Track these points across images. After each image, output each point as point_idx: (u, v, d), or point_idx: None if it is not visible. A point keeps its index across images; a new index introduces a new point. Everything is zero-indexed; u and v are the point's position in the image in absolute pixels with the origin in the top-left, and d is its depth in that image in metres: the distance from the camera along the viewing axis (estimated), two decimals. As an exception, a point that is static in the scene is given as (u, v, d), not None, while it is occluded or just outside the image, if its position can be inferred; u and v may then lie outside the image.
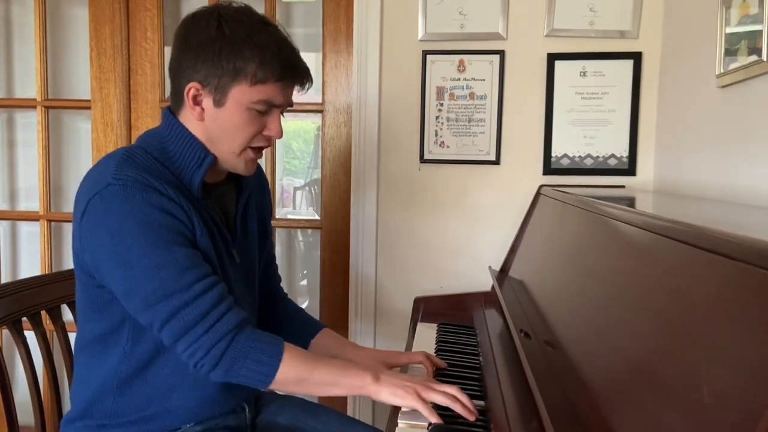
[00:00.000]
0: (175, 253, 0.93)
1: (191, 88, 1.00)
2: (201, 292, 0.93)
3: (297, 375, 0.95)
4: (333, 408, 1.32)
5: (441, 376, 1.19)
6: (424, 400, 0.95)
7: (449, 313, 1.67)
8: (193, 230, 0.98)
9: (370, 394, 0.97)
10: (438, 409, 0.99)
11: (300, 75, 1.04)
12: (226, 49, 0.97)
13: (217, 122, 1.02)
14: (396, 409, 1.01)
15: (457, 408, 0.96)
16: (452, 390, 0.98)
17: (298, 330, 1.29)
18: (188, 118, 1.04)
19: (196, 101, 1.01)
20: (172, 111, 1.06)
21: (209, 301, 0.94)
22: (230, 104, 1.00)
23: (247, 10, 1.02)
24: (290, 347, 0.97)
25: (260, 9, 1.95)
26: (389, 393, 0.96)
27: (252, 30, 0.98)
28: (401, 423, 0.98)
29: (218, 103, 1.00)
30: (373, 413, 1.94)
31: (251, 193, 1.19)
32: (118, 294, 0.96)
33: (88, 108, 2.04)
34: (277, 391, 1.45)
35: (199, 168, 1.02)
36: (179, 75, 1.02)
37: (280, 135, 1.06)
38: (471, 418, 0.96)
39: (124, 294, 0.95)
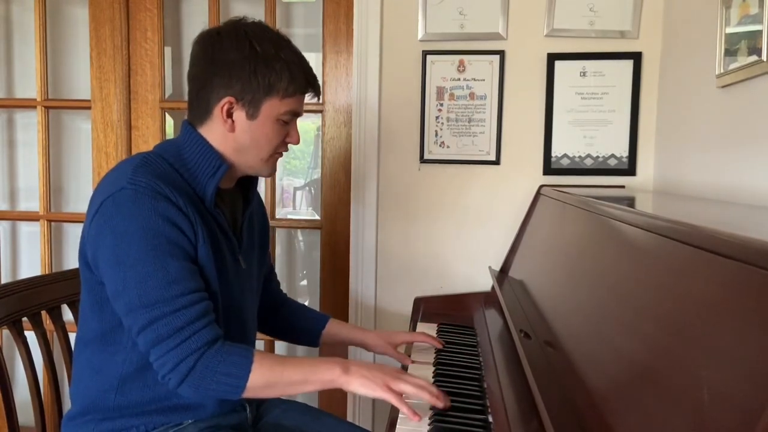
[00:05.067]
0: (168, 264, 0.96)
1: (225, 103, 1.05)
2: (182, 306, 0.96)
3: (266, 381, 0.97)
4: (334, 412, 1.34)
5: (441, 376, 1.20)
6: (393, 391, 0.97)
7: (449, 313, 1.67)
8: (195, 242, 1.01)
9: (341, 386, 0.99)
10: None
11: (317, 86, 1.13)
12: (260, 66, 1.04)
13: (249, 134, 1.08)
14: (394, 420, 1.01)
15: (426, 397, 0.98)
16: (421, 381, 1.00)
17: (307, 327, 1.36)
18: (212, 130, 1.08)
19: (229, 114, 1.06)
20: (191, 123, 1.11)
21: (187, 316, 0.96)
22: (262, 117, 1.07)
23: (266, 26, 1.09)
24: (259, 355, 0.98)
25: (260, 9, 1.96)
26: (359, 384, 0.98)
27: (278, 47, 1.06)
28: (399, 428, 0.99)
29: (251, 116, 1.07)
30: (372, 418, 1.94)
31: (254, 208, 1.24)
32: (109, 293, 0.99)
33: (88, 108, 2.04)
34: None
35: (213, 176, 1.07)
36: (208, 90, 1.06)
37: (299, 141, 1.15)
38: (440, 405, 0.98)
39: (113, 294, 0.98)
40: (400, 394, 0.98)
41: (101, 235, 0.98)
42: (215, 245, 1.06)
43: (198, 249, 1.02)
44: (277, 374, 0.98)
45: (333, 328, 1.36)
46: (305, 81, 1.08)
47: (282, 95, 1.06)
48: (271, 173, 1.17)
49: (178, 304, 0.95)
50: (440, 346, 1.33)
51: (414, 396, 0.98)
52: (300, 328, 1.37)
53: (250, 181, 1.20)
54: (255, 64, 1.03)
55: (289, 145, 1.15)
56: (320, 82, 1.16)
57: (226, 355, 0.96)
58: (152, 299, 0.94)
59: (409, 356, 1.30)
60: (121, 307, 0.97)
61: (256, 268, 1.23)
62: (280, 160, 1.18)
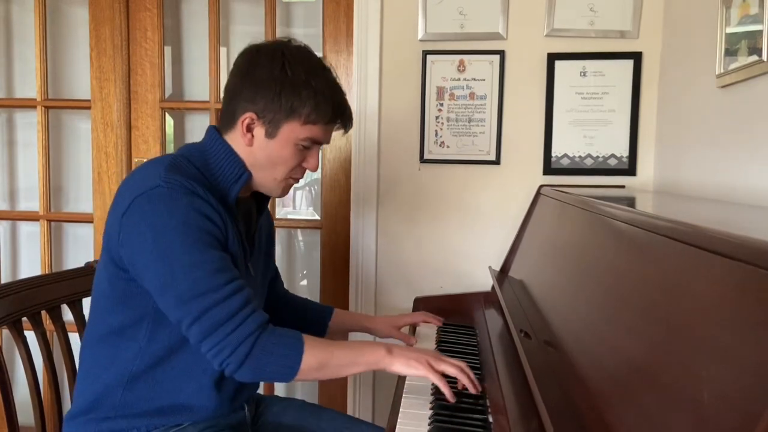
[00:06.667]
0: (211, 254, 0.98)
1: (247, 117, 1.07)
2: (231, 292, 0.98)
3: (319, 362, 1.00)
4: (334, 409, 1.34)
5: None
6: (436, 371, 1.02)
7: (449, 313, 1.67)
8: (226, 236, 1.04)
9: (385, 367, 1.03)
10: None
11: (346, 120, 1.13)
12: (287, 89, 1.04)
13: (265, 151, 1.09)
14: (393, 426, 1.00)
15: (464, 380, 1.03)
16: (461, 363, 1.05)
17: (314, 320, 1.40)
18: (235, 140, 1.10)
19: (249, 129, 1.08)
20: (217, 129, 1.12)
21: (238, 302, 0.98)
22: (280, 138, 1.08)
23: (307, 52, 1.10)
24: (308, 338, 1.01)
25: (260, 9, 1.96)
26: (403, 364, 1.03)
27: (311, 73, 1.06)
28: (399, 426, 0.99)
29: (270, 135, 1.08)
30: (372, 412, 1.94)
31: (263, 220, 1.25)
32: (153, 288, 1.00)
33: (88, 108, 2.04)
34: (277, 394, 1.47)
35: (236, 182, 1.09)
36: (236, 102, 1.08)
37: (317, 169, 1.15)
38: (473, 391, 1.04)
39: (159, 288, 0.99)
40: (442, 374, 1.02)
41: (139, 234, 0.98)
42: (233, 250, 1.07)
43: (228, 243, 1.04)
44: (327, 356, 1.01)
45: (339, 317, 1.41)
46: (331, 113, 1.08)
47: (303, 121, 1.06)
48: (283, 194, 1.17)
49: (226, 291, 0.97)
50: (439, 324, 1.46)
51: (454, 376, 1.04)
52: (307, 321, 1.39)
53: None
54: (282, 86, 1.04)
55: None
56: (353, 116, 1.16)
57: (280, 337, 0.99)
58: (202, 289, 0.96)
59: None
60: (169, 301, 0.98)
61: (260, 275, 1.24)
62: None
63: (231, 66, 1.12)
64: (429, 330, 1.52)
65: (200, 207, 0.99)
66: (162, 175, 0.99)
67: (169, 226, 0.97)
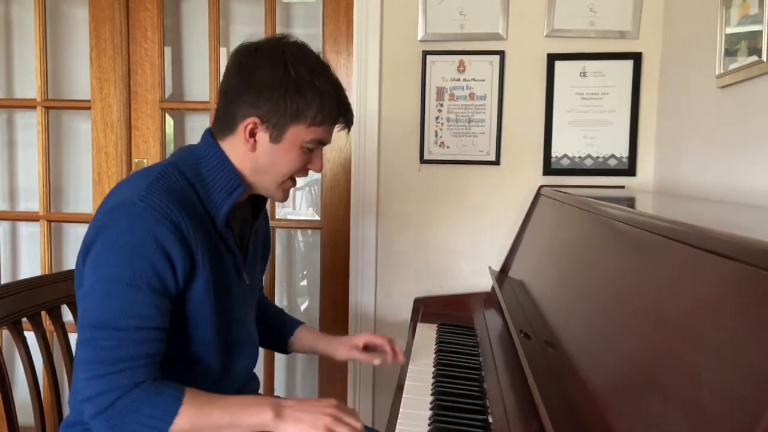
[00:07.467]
0: (141, 294, 0.92)
1: (250, 122, 1.02)
2: (130, 339, 0.92)
3: (192, 424, 0.92)
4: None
5: (442, 376, 1.20)
6: None
7: (449, 313, 1.67)
8: (188, 273, 0.97)
9: (274, 431, 0.95)
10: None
11: (349, 118, 1.09)
12: (291, 91, 1.00)
13: (269, 156, 1.05)
14: (394, 417, 1.01)
15: None
16: (359, 425, 0.97)
17: (279, 333, 1.34)
18: (233, 146, 1.05)
19: (252, 134, 1.03)
20: (213, 134, 1.07)
21: (131, 350, 0.92)
22: (286, 142, 1.03)
23: (307, 50, 1.06)
24: (191, 397, 0.94)
25: (260, 9, 1.96)
26: (296, 429, 0.95)
27: (314, 73, 1.02)
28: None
29: (275, 139, 1.03)
30: (373, 412, 1.94)
31: (259, 224, 1.22)
32: (77, 291, 0.98)
33: (88, 108, 2.04)
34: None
35: (229, 196, 1.04)
36: (236, 106, 1.03)
37: (321, 170, 1.12)
38: None
39: (80, 295, 0.97)
40: None
41: (95, 242, 0.95)
42: (219, 267, 1.04)
43: (196, 278, 0.99)
44: (203, 417, 0.93)
45: (300, 335, 1.32)
46: (336, 112, 1.05)
47: (309, 123, 1.02)
48: (285, 198, 1.13)
49: (127, 336, 0.92)
50: (396, 360, 1.27)
51: None
52: (272, 334, 1.33)
53: (261, 195, 1.17)
54: (286, 87, 1.00)
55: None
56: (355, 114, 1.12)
57: (154, 395, 0.92)
58: (106, 320, 0.91)
59: (409, 358, 1.29)
60: (80, 309, 0.96)
61: (256, 281, 1.22)
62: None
63: (229, 66, 1.08)
64: (429, 330, 1.52)
65: (163, 238, 0.93)
66: (142, 191, 0.95)
67: (117, 244, 0.92)
